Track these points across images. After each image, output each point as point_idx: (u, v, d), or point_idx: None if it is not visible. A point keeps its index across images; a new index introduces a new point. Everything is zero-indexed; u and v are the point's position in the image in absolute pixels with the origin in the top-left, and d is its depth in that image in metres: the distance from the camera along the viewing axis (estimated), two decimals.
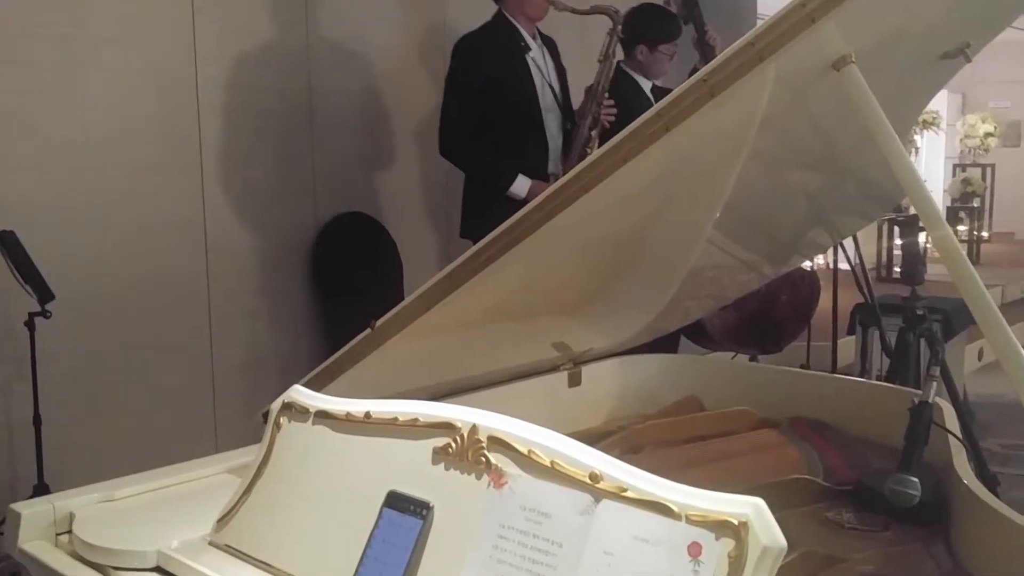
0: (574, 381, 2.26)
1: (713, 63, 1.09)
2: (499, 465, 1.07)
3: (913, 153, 9.52)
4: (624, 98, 3.45)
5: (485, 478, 1.08)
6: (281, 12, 3.32)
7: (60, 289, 2.58)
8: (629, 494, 0.96)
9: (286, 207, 3.35)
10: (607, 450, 1.96)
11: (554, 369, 2.23)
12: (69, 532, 1.39)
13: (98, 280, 2.90)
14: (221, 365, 3.18)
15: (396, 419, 1.19)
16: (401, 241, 3.64)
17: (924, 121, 9.62)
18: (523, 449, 1.06)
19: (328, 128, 3.46)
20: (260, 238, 3.28)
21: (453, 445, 1.12)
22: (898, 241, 8.59)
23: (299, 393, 1.33)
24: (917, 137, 9.54)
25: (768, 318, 3.49)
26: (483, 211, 3.13)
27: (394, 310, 1.50)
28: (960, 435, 1.62)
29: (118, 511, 1.45)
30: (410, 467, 1.15)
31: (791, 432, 2.05)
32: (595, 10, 3.16)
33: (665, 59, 3.63)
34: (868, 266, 8.69)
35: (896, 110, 1.27)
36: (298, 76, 3.37)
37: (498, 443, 1.09)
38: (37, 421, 2.59)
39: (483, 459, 1.08)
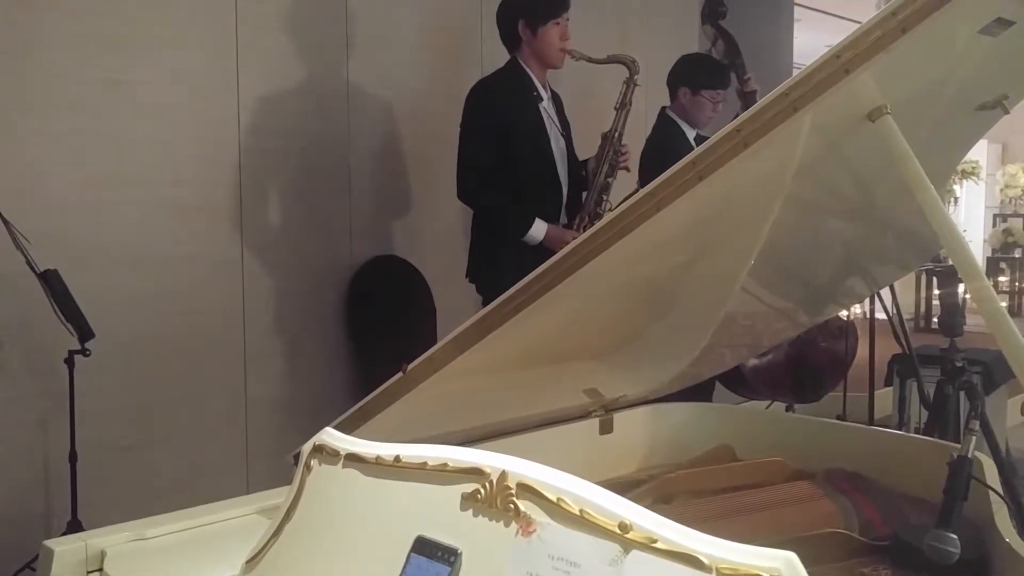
0: (605, 428, 2.24)
1: (747, 113, 1.09)
2: (528, 513, 1.06)
3: (952, 203, 9.43)
4: (666, 143, 3.47)
5: (514, 525, 1.07)
6: (321, 58, 3.39)
7: (99, 325, 2.62)
8: (659, 545, 0.95)
9: (322, 249, 3.39)
10: (638, 499, 1.95)
11: (586, 416, 2.22)
12: (100, 570, 1.40)
13: (136, 318, 2.94)
14: (255, 404, 3.20)
15: (425, 463, 1.18)
16: (434, 283, 3.66)
17: (963, 171, 9.54)
18: (552, 497, 1.06)
19: (364, 172, 3.51)
20: (296, 279, 3.32)
21: (482, 491, 1.11)
22: (936, 292, 8.48)
23: (330, 436, 1.33)
24: (956, 187, 9.45)
25: (806, 367, 3.45)
26: (492, 254, 3.13)
27: (426, 354, 1.51)
28: (1001, 491, 1.58)
29: (148, 550, 1.45)
30: (439, 512, 1.14)
31: (827, 484, 2.01)
32: (612, 59, 3.18)
33: (708, 105, 3.63)
34: (906, 316, 8.58)
35: (933, 160, 1.26)
36: (337, 121, 3.43)
37: (527, 490, 1.08)
38: (73, 457, 2.61)
39: (512, 506, 1.08)
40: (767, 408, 3.45)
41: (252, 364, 3.19)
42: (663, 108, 3.73)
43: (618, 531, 0.99)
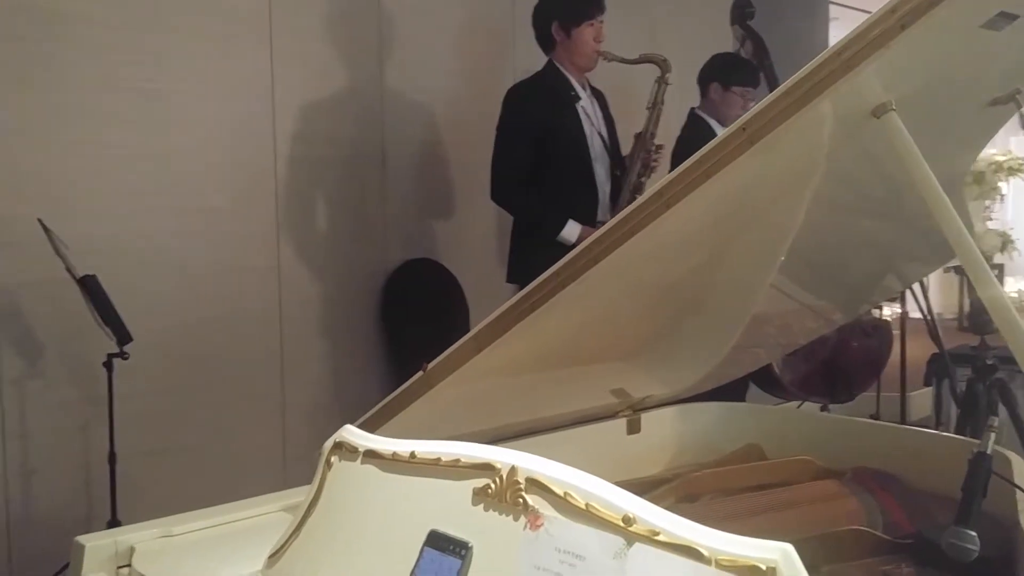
0: (633, 428, 2.25)
1: (752, 110, 1.10)
2: (536, 507, 1.08)
3: (999, 200, 9.24)
4: (695, 141, 3.46)
5: (522, 519, 1.09)
6: (355, 64, 3.44)
7: (138, 330, 2.68)
8: (661, 538, 0.97)
9: (357, 253, 3.44)
10: (662, 498, 1.97)
11: (613, 415, 2.23)
12: (129, 566, 1.44)
13: (174, 324, 3.00)
14: (291, 406, 3.25)
15: (439, 459, 1.21)
16: (469, 287, 3.70)
17: (1010, 168, 9.33)
18: (559, 491, 1.07)
19: (399, 176, 3.55)
20: (332, 284, 3.37)
21: (492, 486, 1.13)
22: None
23: (350, 433, 1.36)
24: (1003, 184, 9.25)
25: (839, 367, 3.43)
26: (529, 256, 3.16)
27: (445, 353, 1.53)
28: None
29: (176, 546, 1.49)
30: (452, 507, 1.16)
31: (853, 483, 2.00)
32: (644, 59, 3.21)
33: (738, 102, 3.62)
34: (950, 316, 8.45)
35: (945, 157, 1.26)
36: (372, 126, 3.48)
37: (536, 485, 1.10)
38: (112, 459, 2.68)
39: (521, 500, 1.09)
40: (798, 408, 3.42)
41: (289, 369, 3.25)
42: (692, 108, 3.73)
43: (622, 524, 1.00)
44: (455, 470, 1.19)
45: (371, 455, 1.30)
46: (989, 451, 1.40)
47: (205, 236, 3.06)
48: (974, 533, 1.36)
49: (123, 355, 2.68)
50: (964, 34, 1.11)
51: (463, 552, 1.11)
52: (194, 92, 3.05)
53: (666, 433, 2.30)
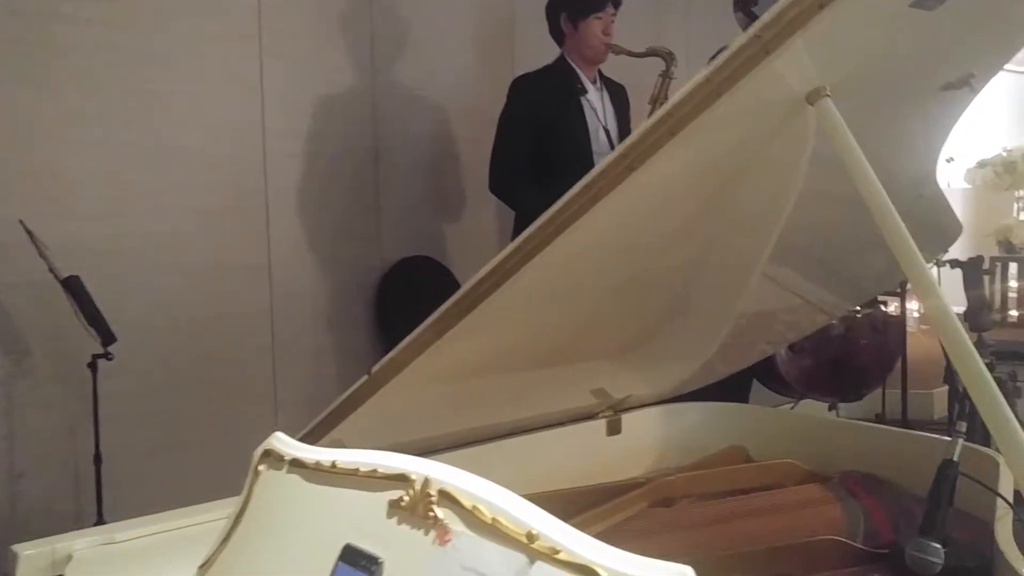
0: (613, 429, 2.18)
1: (674, 99, 1.03)
2: (445, 521, 1.02)
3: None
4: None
5: (432, 534, 1.03)
6: (347, 59, 3.39)
7: (128, 330, 2.67)
8: (561, 556, 0.90)
9: (351, 250, 3.40)
10: (634, 503, 1.91)
11: (593, 416, 2.16)
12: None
13: (164, 324, 2.98)
14: (284, 405, 3.22)
15: (358, 470, 1.15)
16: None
17: None
18: (468, 504, 1.01)
19: (394, 172, 3.51)
20: (325, 281, 3.33)
21: (406, 498, 1.07)
22: (1012, 283, 8.12)
23: (278, 440, 1.31)
24: None
25: (848, 365, 3.33)
26: None
27: (388, 356, 1.47)
28: (1007, 495, 1.48)
29: (115, 554, 1.45)
30: (368, 519, 1.11)
31: (839, 488, 1.92)
32: (650, 52, 3.15)
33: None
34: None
35: (900, 145, 1.18)
36: (364, 121, 3.43)
37: (447, 498, 1.04)
38: (98, 459, 2.66)
39: (431, 514, 1.04)
40: (792, 408, 3.33)
41: (281, 368, 3.21)
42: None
43: (525, 540, 0.94)
44: (373, 481, 1.13)
45: (296, 464, 1.25)
46: (956, 458, 1.32)
47: (194, 235, 3.03)
48: (938, 545, 1.28)
49: (107, 356, 2.66)
50: (893, 14, 1.03)
51: (374, 568, 1.05)
52: (182, 91, 3.03)
53: (648, 434, 2.24)
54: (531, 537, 0.94)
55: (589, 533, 1.91)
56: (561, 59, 3.25)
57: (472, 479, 1.06)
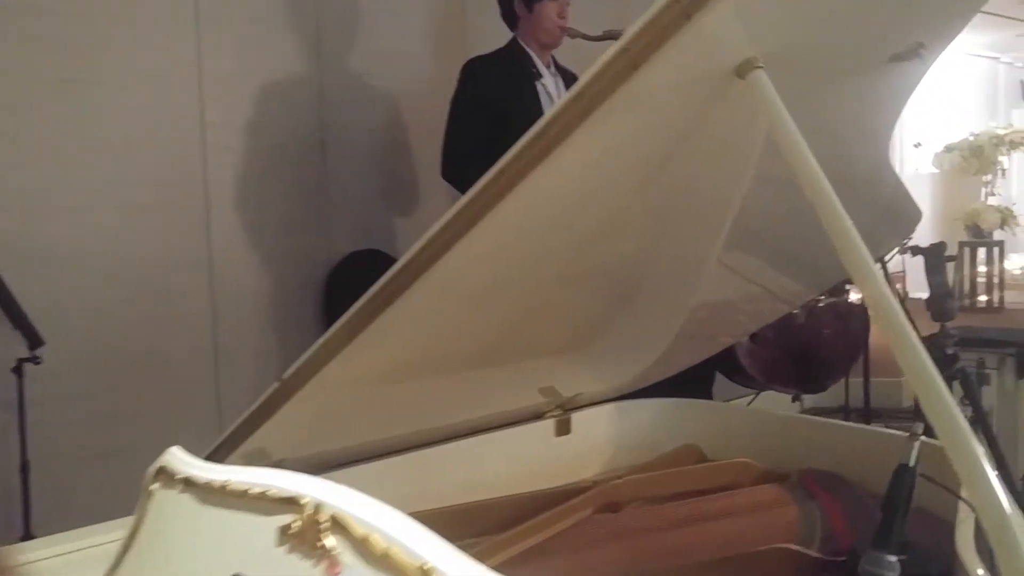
0: (562, 429, 2.08)
1: (585, 76, 0.92)
2: (335, 551, 0.91)
3: (1000, 175, 8.98)
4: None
5: (323, 565, 0.91)
6: (291, 45, 3.26)
7: (57, 332, 2.54)
8: None
9: (297, 245, 3.26)
10: (579, 509, 1.80)
11: (540, 417, 2.05)
12: None
13: (100, 325, 2.84)
14: (228, 408, 3.08)
15: (247, 491, 1.03)
16: None
17: (1012, 142, 9.07)
18: (360, 533, 0.90)
19: (342, 163, 3.37)
20: (269, 278, 3.19)
21: (296, 525, 0.96)
22: (981, 268, 8.10)
23: (173, 457, 1.20)
24: (1004, 159, 8.99)
25: (811, 355, 3.24)
26: None
27: (298, 361, 1.36)
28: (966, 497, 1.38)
29: None
30: (257, 546, 0.99)
31: (796, 488, 1.82)
32: (607, 36, 3.04)
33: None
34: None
35: (850, 125, 1.07)
36: (309, 110, 3.30)
37: (339, 525, 0.92)
38: (25, 468, 2.52)
39: (320, 543, 0.92)
40: (752, 399, 3.24)
41: (225, 368, 3.08)
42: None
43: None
44: (263, 503, 1.01)
45: (189, 484, 1.13)
46: (912, 463, 1.22)
47: (129, 232, 2.89)
48: (894, 559, 1.18)
49: (35, 360, 2.53)
50: None
51: None
52: (114, 82, 2.88)
53: (599, 434, 2.13)
54: (425, 572, 0.83)
55: (532, 543, 1.81)
56: (514, 42, 3.14)
57: (369, 504, 0.94)
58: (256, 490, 1.02)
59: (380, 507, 0.93)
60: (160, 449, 2.99)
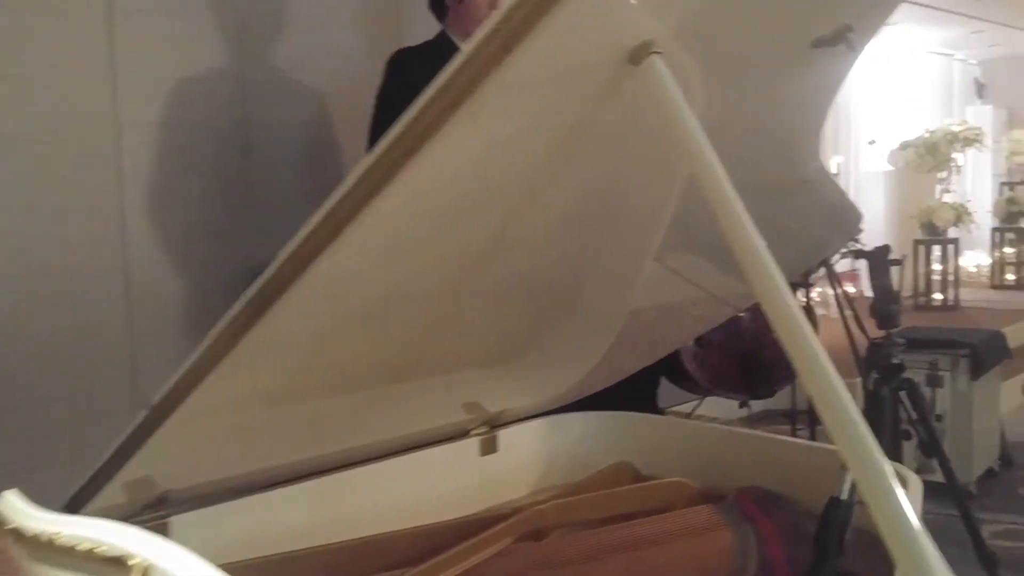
0: (488, 448, 1.94)
1: (454, 63, 0.79)
2: None
3: (955, 172, 9.01)
4: None
5: None
6: (212, 39, 3.09)
7: None
8: None
9: (219, 250, 3.09)
10: (500, 537, 1.66)
11: (464, 435, 1.92)
12: None
13: (6, 334, 2.66)
14: None
15: (75, 547, 0.89)
16: None
17: (966, 138, 9.11)
18: None
19: (267, 163, 3.21)
20: (189, 285, 3.02)
21: None
22: (936, 266, 8.11)
23: (5, 503, 1.04)
24: (959, 155, 9.02)
25: (758, 359, 3.13)
26: None
27: (165, 385, 1.22)
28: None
29: None
30: None
31: (733, 509, 1.70)
32: None
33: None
34: (906, 294, 8.22)
35: (772, 119, 0.94)
36: (233, 108, 3.13)
37: None
38: None
39: None
40: (696, 406, 3.13)
41: (142, 382, 2.91)
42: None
43: None
44: (91, 562, 0.87)
45: (18, 536, 0.98)
46: (845, 496, 1.10)
47: (36, 236, 2.71)
48: None
49: None
50: None
51: None
52: (21, 77, 2.70)
53: (529, 452, 2.00)
54: None
55: None
56: (443, 35, 3.00)
57: (201, 568, 0.80)
58: (84, 546, 0.88)
59: (210, 570, 0.79)
60: (74, 469, 2.81)
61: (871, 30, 1.07)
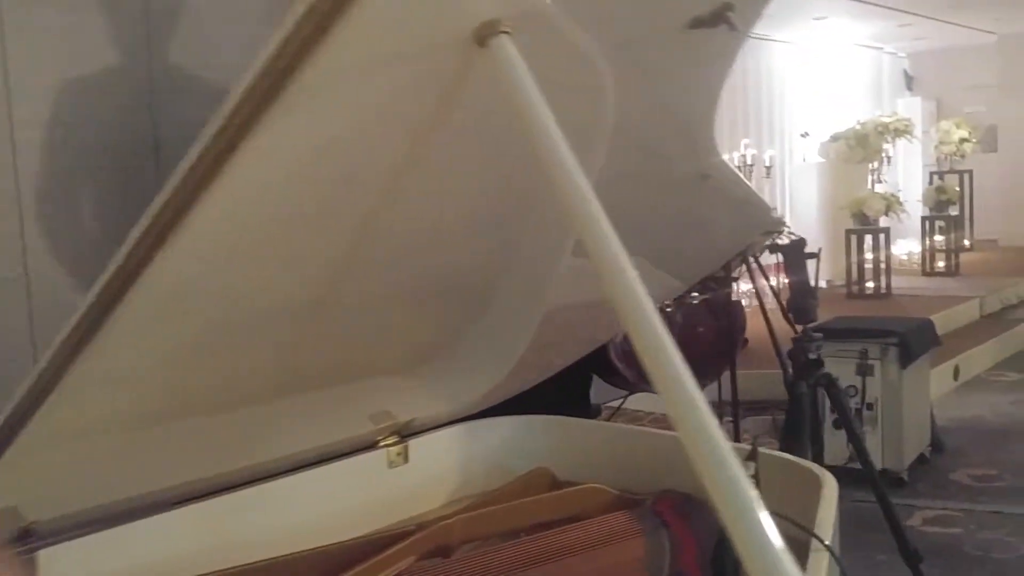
0: (398, 459, 1.86)
1: (269, 47, 0.70)
2: None
3: (885, 163, 9.13)
4: None
5: None
6: (115, 34, 2.94)
7: None
8: None
9: None
10: (402, 556, 1.58)
11: (372, 446, 1.83)
12: None
13: None
14: None
15: None
16: None
17: (896, 129, 9.25)
18: None
19: (176, 164, 3.07)
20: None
21: None
22: (868, 255, 8.20)
23: None
24: (888, 146, 9.15)
25: (686, 353, 3.08)
26: None
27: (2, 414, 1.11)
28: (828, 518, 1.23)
29: None
30: None
31: (648, 515, 1.65)
32: None
33: None
34: (839, 283, 8.30)
35: (655, 108, 0.88)
36: (139, 107, 2.98)
37: None
38: None
39: None
40: (622, 403, 3.08)
41: None
42: None
43: None
44: None
45: None
46: None
47: None
48: None
49: None
50: None
51: None
52: None
53: (442, 462, 1.92)
54: None
55: None
56: None
57: None
58: None
59: None
60: None
61: (753, 11, 1.00)
